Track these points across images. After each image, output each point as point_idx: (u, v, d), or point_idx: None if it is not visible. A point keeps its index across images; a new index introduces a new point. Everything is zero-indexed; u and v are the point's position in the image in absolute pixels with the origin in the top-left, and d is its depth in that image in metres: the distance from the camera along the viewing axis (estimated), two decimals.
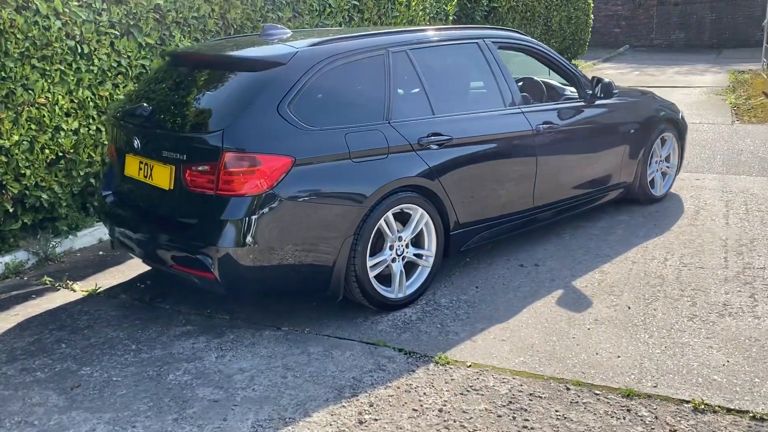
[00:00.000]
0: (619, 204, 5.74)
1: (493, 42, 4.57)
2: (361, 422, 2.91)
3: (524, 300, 4.04)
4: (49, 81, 4.71)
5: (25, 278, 4.69)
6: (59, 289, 4.49)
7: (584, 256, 4.73)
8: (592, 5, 16.69)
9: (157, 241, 3.68)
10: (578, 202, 5.08)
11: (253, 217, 3.34)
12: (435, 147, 3.96)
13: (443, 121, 4.06)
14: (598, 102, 5.12)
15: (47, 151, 4.79)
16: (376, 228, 3.72)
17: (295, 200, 3.42)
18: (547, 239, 5.03)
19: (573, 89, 5.22)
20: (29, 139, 4.65)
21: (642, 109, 5.61)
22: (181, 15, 5.62)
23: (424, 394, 3.11)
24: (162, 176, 3.63)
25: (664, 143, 5.88)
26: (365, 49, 3.89)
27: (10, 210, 4.70)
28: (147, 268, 4.72)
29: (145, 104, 3.77)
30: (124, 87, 5.27)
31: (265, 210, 3.36)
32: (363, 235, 3.66)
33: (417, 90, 4.08)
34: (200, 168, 3.41)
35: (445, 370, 3.31)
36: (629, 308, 3.89)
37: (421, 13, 9.46)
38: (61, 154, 4.92)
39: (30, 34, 4.52)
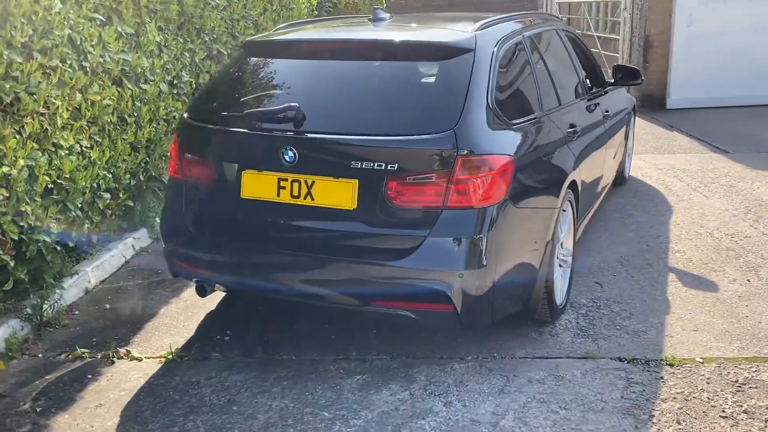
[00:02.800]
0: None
1: (561, 29, 4.44)
2: None
3: (653, 289, 4.01)
4: (48, 82, 3.44)
5: (47, 356, 3.40)
6: (113, 362, 3.34)
7: (637, 236, 4.85)
8: None
9: (337, 275, 2.91)
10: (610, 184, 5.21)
11: (490, 233, 2.81)
12: (573, 138, 3.73)
13: (568, 110, 3.84)
14: (609, 88, 5.27)
15: (45, 177, 3.50)
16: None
17: (516, 207, 2.95)
18: (588, 228, 5.06)
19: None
20: (31, 163, 3.35)
21: (624, 94, 5.92)
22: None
23: (707, 398, 2.92)
24: (336, 194, 2.88)
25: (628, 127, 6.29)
26: (514, 33, 3.49)
27: (11, 263, 3.35)
28: (200, 316, 3.75)
29: (294, 104, 2.92)
30: (106, 90, 4.07)
31: (499, 221, 2.85)
32: (554, 239, 3.30)
33: (546, 79, 3.79)
34: (419, 178, 2.76)
35: (690, 370, 3.15)
36: (749, 281, 4.08)
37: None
38: (57, 180, 3.64)
39: (33, 17, 3.25)
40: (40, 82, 3.31)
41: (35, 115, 3.32)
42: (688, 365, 3.19)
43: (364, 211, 2.85)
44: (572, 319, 3.66)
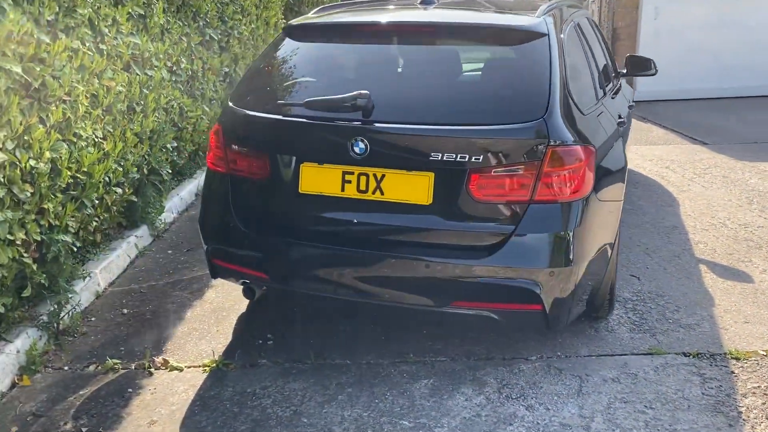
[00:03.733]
0: None
1: (588, 15, 4.35)
2: None
3: (689, 281, 3.99)
4: (71, 65, 3.10)
5: (74, 368, 3.08)
6: (151, 373, 3.07)
7: (654, 227, 4.85)
8: None
9: (412, 274, 2.72)
10: None
11: (578, 228, 2.68)
12: (621, 128, 3.64)
13: (611, 100, 3.75)
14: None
15: (66, 171, 3.16)
16: None
17: (598, 200, 2.83)
18: None
19: None
20: (55, 155, 3.01)
21: (626, 85, 5.92)
22: None
23: None
24: (410, 188, 2.69)
25: None
26: (570, 18, 3.36)
27: (33, 266, 3.01)
28: (232, 319, 3.50)
29: (365, 91, 2.71)
30: (118, 76, 3.73)
31: (585, 215, 2.72)
32: (619, 234, 3.21)
33: (594, 67, 3.68)
34: (506, 171, 2.60)
35: (758, 363, 3.11)
36: None
37: None
38: (77, 175, 3.30)
39: None
40: (64, 66, 2.97)
41: (58, 103, 2.97)
42: (753, 358, 3.15)
43: (442, 205, 2.67)
44: (622, 314, 3.58)
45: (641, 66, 5.04)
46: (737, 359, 3.14)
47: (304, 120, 2.81)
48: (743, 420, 2.69)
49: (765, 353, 3.20)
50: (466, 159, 2.60)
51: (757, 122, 8.42)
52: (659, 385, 2.93)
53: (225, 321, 3.52)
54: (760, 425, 2.66)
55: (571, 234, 2.65)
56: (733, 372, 3.04)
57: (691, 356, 3.17)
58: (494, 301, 2.69)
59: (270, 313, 3.61)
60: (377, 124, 2.71)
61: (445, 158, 2.61)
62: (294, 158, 2.84)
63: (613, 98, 4.16)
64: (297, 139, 2.85)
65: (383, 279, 2.78)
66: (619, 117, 3.61)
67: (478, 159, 2.60)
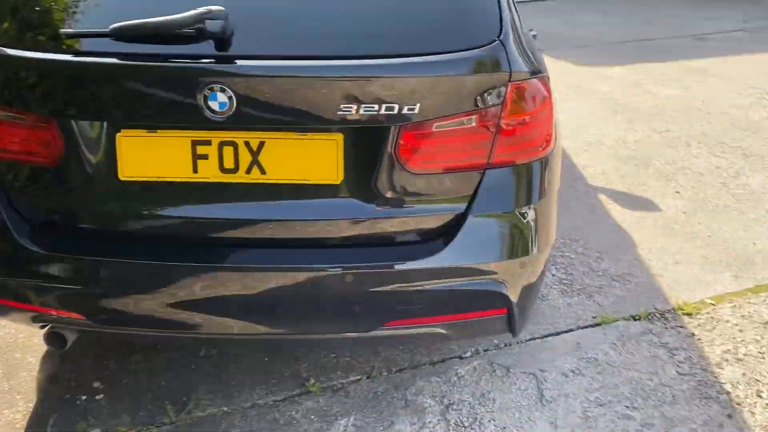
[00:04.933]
0: None
1: None
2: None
3: (595, 216, 3.49)
4: None
5: None
6: None
7: None
8: None
9: (319, 293, 1.81)
10: None
11: (545, 199, 1.92)
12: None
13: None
14: None
15: None
16: None
17: (557, 154, 2.07)
18: None
19: None
20: None
21: None
22: None
23: (758, 351, 2.46)
24: (307, 160, 1.73)
25: None
26: None
27: None
28: (32, 366, 2.41)
29: (217, 7, 1.63)
30: None
31: (552, 176, 1.97)
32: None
33: None
34: (452, 124, 1.73)
35: (711, 317, 2.67)
36: (678, 192, 3.75)
37: None
38: None
39: None
40: None
41: None
42: (705, 312, 2.71)
43: (359, 184, 1.76)
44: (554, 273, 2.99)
45: None
46: (689, 315, 2.68)
47: (114, 60, 1.69)
48: (736, 403, 2.22)
49: (712, 302, 2.78)
50: (394, 111, 1.69)
51: (583, 24, 8.26)
52: (628, 370, 2.36)
53: (20, 370, 2.36)
54: (755, 406, 2.20)
55: (539, 206, 1.89)
56: (693, 334, 2.56)
57: (641, 319, 2.65)
58: (445, 313, 1.88)
59: (92, 345, 2.50)
60: (244, 62, 1.68)
61: (360, 111, 1.68)
62: (104, 125, 1.73)
63: None
64: (105, 92, 1.72)
65: (274, 308, 1.84)
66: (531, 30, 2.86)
67: (412, 109, 1.69)
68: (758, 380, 2.31)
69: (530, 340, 2.52)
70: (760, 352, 2.45)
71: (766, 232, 3.32)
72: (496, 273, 1.83)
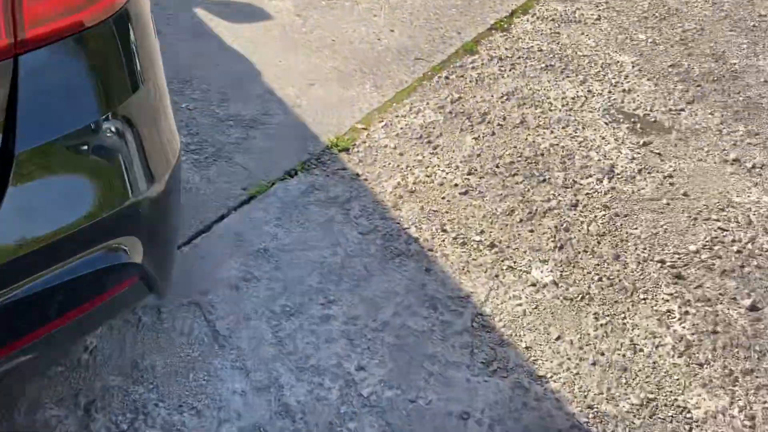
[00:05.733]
0: None
1: None
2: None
3: (200, 41, 2.74)
4: None
5: None
6: None
7: None
8: None
9: None
10: None
11: (142, 88, 1.13)
12: None
13: None
14: None
15: None
16: None
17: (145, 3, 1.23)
18: None
19: None
20: None
21: None
22: None
23: (407, 166, 2.18)
24: None
25: None
26: None
27: None
28: None
29: None
30: None
31: (148, 45, 1.17)
32: None
33: None
34: None
35: (368, 145, 2.29)
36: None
37: None
38: None
39: None
40: None
41: None
42: (360, 141, 2.31)
43: None
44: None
45: None
46: (346, 151, 2.27)
47: None
48: (428, 250, 1.93)
49: (363, 126, 2.39)
50: None
51: None
52: (306, 251, 1.88)
53: None
54: (446, 246, 1.95)
55: (133, 103, 1.10)
56: (358, 175, 2.17)
57: (298, 173, 2.15)
58: (24, 334, 1.06)
59: None
60: None
61: None
62: None
63: None
64: None
65: None
66: None
67: None
68: (436, 211, 2.06)
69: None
70: (426, 176, 2.19)
71: (377, 22, 2.99)
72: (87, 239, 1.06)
